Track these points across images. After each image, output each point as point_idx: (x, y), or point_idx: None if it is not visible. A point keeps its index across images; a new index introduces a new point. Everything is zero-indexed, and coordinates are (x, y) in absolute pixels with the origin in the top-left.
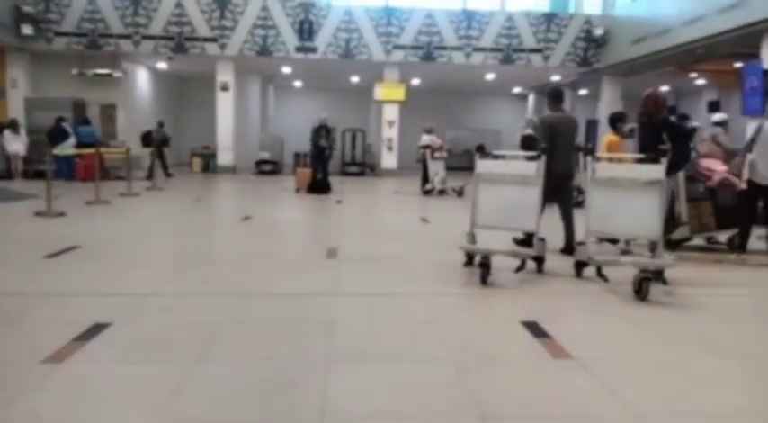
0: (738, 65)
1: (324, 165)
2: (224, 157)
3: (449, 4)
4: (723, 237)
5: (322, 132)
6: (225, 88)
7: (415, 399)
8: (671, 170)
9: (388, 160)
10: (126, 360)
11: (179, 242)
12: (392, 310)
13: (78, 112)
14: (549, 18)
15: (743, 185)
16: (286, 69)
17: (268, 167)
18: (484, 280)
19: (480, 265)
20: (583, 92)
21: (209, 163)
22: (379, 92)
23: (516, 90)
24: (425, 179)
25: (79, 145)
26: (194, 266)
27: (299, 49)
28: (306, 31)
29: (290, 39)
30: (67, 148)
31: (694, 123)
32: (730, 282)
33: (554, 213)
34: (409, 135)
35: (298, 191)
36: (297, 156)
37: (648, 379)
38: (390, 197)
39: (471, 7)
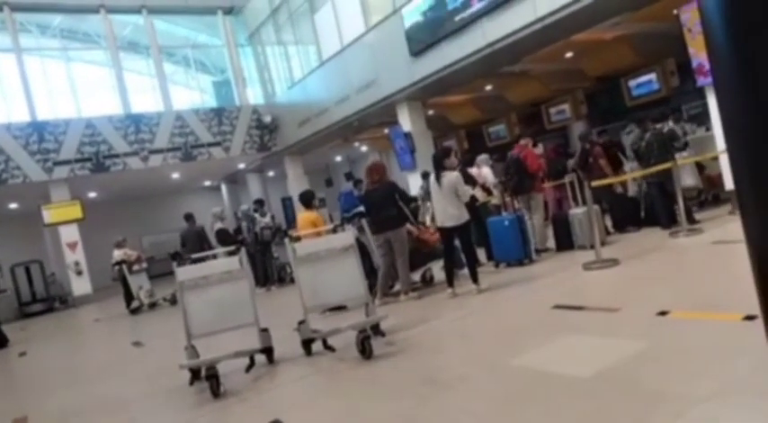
0: (387, 131)
1: None
2: None
3: (108, 110)
4: (417, 275)
5: None
6: None
7: None
8: (400, 223)
9: (80, 286)
10: None
11: None
12: None
13: None
14: (219, 112)
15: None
16: None
17: None
18: (215, 393)
19: (208, 378)
20: (271, 173)
21: None
22: (49, 214)
23: (207, 183)
24: (129, 296)
25: None
26: None
27: None
28: None
29: None
30: None
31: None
32: (431, 316)
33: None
34: (100, 252)
35: None
36: None
37: None
38: (92, 328)
39: (135, 111)
